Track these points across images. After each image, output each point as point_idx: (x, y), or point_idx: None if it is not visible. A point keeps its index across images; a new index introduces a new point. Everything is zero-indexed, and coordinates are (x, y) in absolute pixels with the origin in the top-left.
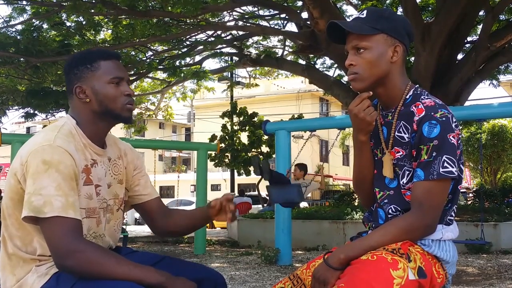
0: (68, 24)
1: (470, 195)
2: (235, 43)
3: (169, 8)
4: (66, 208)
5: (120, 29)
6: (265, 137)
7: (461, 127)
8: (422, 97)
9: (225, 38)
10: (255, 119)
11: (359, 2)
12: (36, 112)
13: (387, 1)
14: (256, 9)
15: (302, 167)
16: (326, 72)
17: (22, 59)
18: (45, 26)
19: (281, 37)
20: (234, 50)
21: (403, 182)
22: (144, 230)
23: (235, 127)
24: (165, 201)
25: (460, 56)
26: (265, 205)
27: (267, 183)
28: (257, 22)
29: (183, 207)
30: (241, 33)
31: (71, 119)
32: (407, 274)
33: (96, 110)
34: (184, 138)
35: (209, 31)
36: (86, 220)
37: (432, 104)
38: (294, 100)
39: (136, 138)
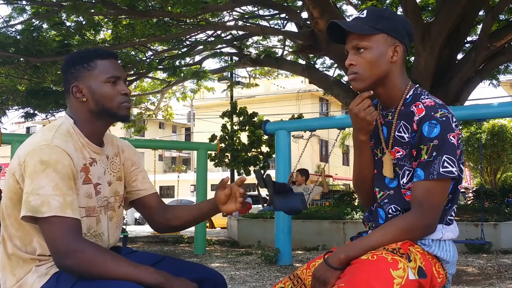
0: (68, 24)
1: (470, 195)
2: (235, 43)
3: (169, 8)
4: (64, 208)
5: (120, 29)
6: (265, 137)
7: (461, 127)
8: (422, 97)
9: (225, 38)
10: (255, 119)
11: (359, 2)
12: (36, 112)
13: (387, 1)
14: (256, 9)
15: (304, 172)
16: (326, 72)
17: (22, 59)
18: (45, 26)
19: (281, 37)
20: (234, 50)
21: (403, 182)
22: (144, 230)
23: (235, 127)
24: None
25: (460, 56)
26: (265, 205)
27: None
28: (257, 22)
29: None
30: (241, 33)
31: (68, 119)
32: (407, 274)
33: (93, 109)
34: (184, 138)
35: (209, 31)
36: (86, 219)
37: (432, 104)
38: (294, 100)
39: (136, 138)
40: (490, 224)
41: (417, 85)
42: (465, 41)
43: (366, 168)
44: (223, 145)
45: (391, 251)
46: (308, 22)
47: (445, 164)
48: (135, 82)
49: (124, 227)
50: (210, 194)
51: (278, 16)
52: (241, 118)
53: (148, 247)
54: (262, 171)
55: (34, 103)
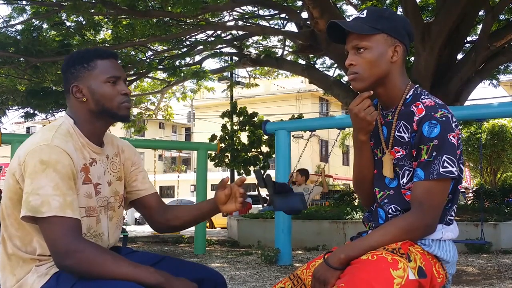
0: (68, 24)
1: (470, 195)
2: (235, 43)
3: (169, 8)
4: (64, 208)
5: (120, 29)
6: (265, 137)
7: (461, 127)
8: (422, 97)
9: (225, 38)
10: (255, 119)
11: (359, 2)
12: (36, 112)
13: (387, 1)
14: (256, 9)
15: (304, 172)
16: (326, 72)
17: (22, 59)
18: (45, 26)
19: (281, 37)
20: (234, 50)
21: (403, 182)
22: (144, 230)
23: (235, 127)
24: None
25: (460, 56)
26: (265, 205)
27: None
28: (257, 22)
29: None
30: (241, 33)
31: (68, 119)
32: (407, 274)
33: (93, 109)
34: (184, 138)
35: (209, 31)
36: (86, 219)
37: (432, 104)
38: (294, 100)
39: (136, 138)
40: (490, 224)
41: (417, 85)
42: (465, 41)
43: (366, 168)
44: (223, 145)
45: (391, 251)
46: (308, 22)
47: (445, 164)
48: (135, 82)
49: (124, 227)
50: (210, 194)
51: (278, 16)
52: (241, 118)
53: (148, 247)
54: (262, 171)
55: (34, 103)
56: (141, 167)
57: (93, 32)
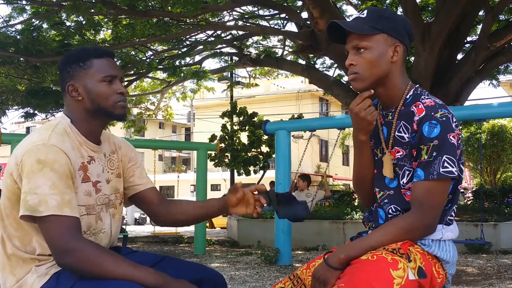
0: (68, 24)
1: (468, 195)
2: (235, 43)
3: (169, 8)
4: (62, 207)
5: (120, 29)
6: (265, 137)
7: (461, 127)
8: (422, 97)
9: (225, 38)
10: (255, 119)
11: (359, 2)
12: (36, 112)
13: (387, 1)
14: (256, 9)
15: (305, 177)
16: (326, 72)
17: (22, 58)
18: (45, 25)
19: (281, 37)
20: (234, 50)
21: (403, 182)
22: (144, 230)
23: (235, 127)
24: None
25: (460, 56)
26: (265, 205)
27: (266, 183)
28: (257, 22)
29: None
30: (241, 33)
31: (65, 118)
32: (407, 274)
33: (88, 108)
34: (184, 138)
35: (209, 31)
36: (86, 217)
37: (432, 104)
38: (294, 100)
39: (136, 138)
40: (490, 224)
41: (417, 85)
42: (465, 41)
43: (366, 168)
44: (223, 145)
45: (391, 251)
46: (308, 22)
47: (445, 164)
48: (135, 82)
49: (124, 227)
50: (210, 194)
51: (278, 16)
52: (241, 118)
53: (148, 247)
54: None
55: (34, 103)
56: (138, 163)
57: (93, 32)
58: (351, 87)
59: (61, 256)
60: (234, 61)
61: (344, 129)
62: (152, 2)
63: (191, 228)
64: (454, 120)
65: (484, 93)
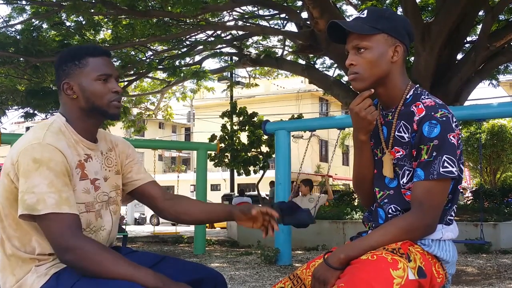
0: (67, 24)
1: (468, 194)
2: (235, 43)
3: (169, 8)
4: (60, 204)
5: (120, 29)
6: (265, 137)
7: (460, 127)
8: (423, 97)
9: (225, 38)
10: (255, 119)
11: (359, 2)
12: (35, 112)
13: (387, 1)
14: (256, 9)
15: (308, 182)
16: (326, 72)
17: (21, 59)
18: (44, 26)
19: (281, 37)
20: (234, 50)
21: (403, 182)
22: (144, 230)
23: (235, 127)
24: None
25: (460, 56)
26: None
27: (266, 183)
28: (257, 22)
29: None
30: (241, 33)
31: (60, 117)
32: (407, 274)
33: (83, 106)
34: (184, 138)
35: (209, 31)
36: (86, 214)
37: (432, 104)
38: (294, 100)
39: (136, 138)
40: (489, 224)
41: (417, 85)
42: (465, 41)
43: (366, 168)
44: (223, 145)
45: (391, 251)
46: (308, 22)
47: (445, 164)
48: (135, 82)
49: (123, 227)
50: (210, 194)
51: (278, 16)
52: (241, 118)
53: (147, 247)
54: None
55: (34, 103)
56: (136, 159)
57: (93, 32)
58: (351, 87)
59: (62, 253)
60: (234, 61)
61: (344, 129)
62: (152, 2)
63: (191, 228)
64: (454, 120)
65: (484, 93)
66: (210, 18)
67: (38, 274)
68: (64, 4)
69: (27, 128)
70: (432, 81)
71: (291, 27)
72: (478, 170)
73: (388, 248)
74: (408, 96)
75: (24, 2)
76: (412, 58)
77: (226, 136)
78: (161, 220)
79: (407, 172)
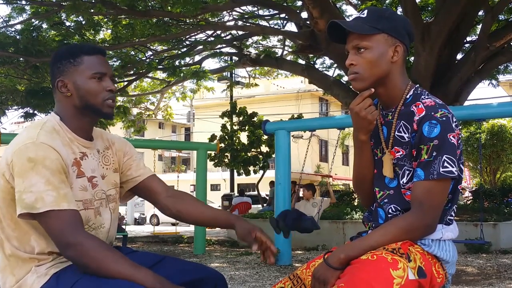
0: (67, 24)
1: (466, 194)
2: (234, 43)
3: (169, 8)
4: (59, 201)
5: (120, 29)
6: (265, 137)
7: (460, 127)
8: (423, 97)
9: (224, 38)
10: (255, 119)
11: (359, 2)
12: (35, 112)
13: (387, 1)
14: (255, 9)
15: (310, 187)
16: (326, 72)
17: (21, 58)
18: (44, 26)
19: (280, 37)
20: (233, 50)
21: (403, 182)
22: (144, 230)
23: (235, 127)
24: None
25: (459, 56)
26: (264, 205)
27: (266, 183)
28: (257, 22)
29: None
30: (240, 33)
31: (54, 116)
32: (407, 274)
33: (77, 104)
34: (183, 138)
35: (209, 31)
36: (84, 212)
37: (433, 104)
38: (294, 100)
39: (136, 138)
40: (489, 224)
41: (417, 85)
42: (465, 41)
43: (366, 168)
44: (222, 145)
45: (391, 251)
46: (308, 22)
47: (445, 164)
48: (135, 82)
49: (123, 227)
50: (210, 194)
51: (278, 16)
52: (240, 118)
53: (147, 247)
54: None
55: (34, 103)
56: (134, 156)
57: (93, 32)
58: (351, 87)
59: (64, 250)
60: (234, 61)
61: (344, 129)
62: (152, 2)
63: (191, 228)
64: (454, 120)
65: (483, 93)
66: (210, 18)
67: (38, 274)
68: (64, 4)
69: None
70: (432, 81)
71: (291, 27)
72: (478, 170)
73: (388, 248)
74: (408, 96)
75: (24, 2)
76: (412, 58)
77: (226, 136)
78: (161, 220)
79: (407, 172)
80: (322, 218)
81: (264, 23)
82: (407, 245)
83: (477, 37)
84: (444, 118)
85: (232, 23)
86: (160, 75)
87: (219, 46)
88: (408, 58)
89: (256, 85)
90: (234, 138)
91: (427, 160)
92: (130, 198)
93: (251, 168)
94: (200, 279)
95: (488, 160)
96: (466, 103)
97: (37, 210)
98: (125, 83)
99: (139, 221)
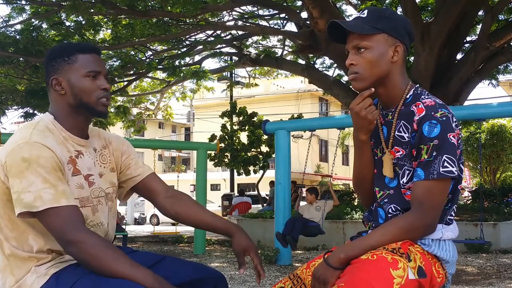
0: (67, 23)
1: (466, 194)
2: (234, 43)
3: (169, 7)
4: (57, 198)
5: (120, 29)
6: (265, 136)
7: (460, 127)
8: (423, 96)
9: (224, 38)
10: (255, 118)
11: (359, 2)
12: (35, 111)
13: (387, 1)
14: (255, 9)
15: (313, 191)
16: (326, 72)
17: (21, 58)
18: (44, 25)
19: (280, 37)
20: (233, 50)
21: (403, 182)
22: (144, 230)
23: (235, 127)
24: None
25: (459, 56)
26: (264, 204)
27: (266, 182)
28: (257, 22)
29: None
30: (240, 33)
31: (48, 116)
32: (407, 273)
33: (71, 103)
34: (183, 138)
35: (209, 31)
36: (82, 209)
37: (433, 104)
38: (294, 100)
39: (136, 138)
40: (489, 224)
41: (418, 85)
42: (465, 41)
43: (366, 167)
44: (222, 145)
45: (391, 251)
46: (308, 22)
47: (445, 164)
48: (135, 82)
49: (123, 227)
50: (210, 194)
51: (277, 16)
52: (240, 118)
53: (147, 247)
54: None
55: (34, 102)
56: (132, 155)
57: (93, 32)
58: (351, 87)
59: (65, 246)
60: (233, 61)
61: (344, 129)
62: (152, 2)
63: (191, 228)
64: (454, 119)
65: (483, 93)
66: (210, 18)
67: (37, 274)
68: (63, 4)
69: None
70: (432, 81)
71: (291, 27)
72: (478, 170)
73: (388, 248)
74: (408, 96)
75: (23, 2)
76: (412, 58)
77: (226, 136)
78: (161, 220)
79: (407, 171)
80: None
81: (264, 23)
82: (407, 244)
83: (477, 37)
84: (444, 118)
85: (232, 23)
86: (160, 75)
87: (219, 46)
88: (408, 58)
89: (256, 85)
90: (234, 138)
91: (427, 160)
92: (129, 196)
93: (251, 168)
94: (200, 279)
95: (488, 160)
96: (466, 103)
97: (36, 209)
98: (125, 83)
99: (139, 221)
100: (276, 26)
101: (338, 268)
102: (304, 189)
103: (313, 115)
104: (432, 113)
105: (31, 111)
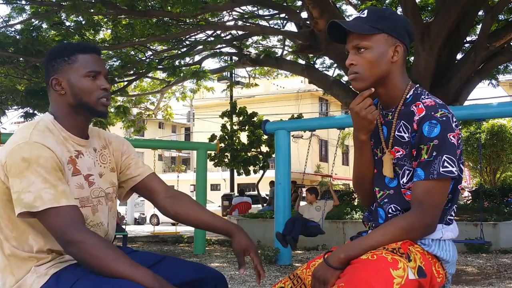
0: (67, 23)
1: (465, 194)
2: (234, 43)
3: (169, 7)
4: (58, 198)
5: (120, 29)
6: (265, 136)
7: (460, 127)
8: (423, 96)
9: (224, 38)
10: (255, 118)
11: (359, 2)
12: (35, 111)
13: (387, 1)
14: (255, 9)
15: (313, 191)
16: (326, 72)
17: (21, 58)
18: (44, 25)
19: (280, 37)
20: (233, 50)
21: (403, 182)
22: (144, 230)
23: (235, 127)
24: None
25: (459, 56)
26: (264, 204)
27: (266, 182)
28: (257, 22)
29: None
30: (240, 33)
31: (48, 116)
32: (407, 273)
33: (71, 103)
34: (183, 138)
35: (209, 31)
36: (81, 209)
37: (433, 104)
38: (294, 100)
39: (136, 138)
40: (489, 224)
41: (417, 85)
42: (465, 41)
43: (366, 167)
44: (222, 145)
45: (391, 251)
46: (308, 22)
47: (445, 164)
48: (135, 82)
49: (123, 227)
50: (210, 194)
51: (277, 16)
52: (240, 118)
53: (147, 247)
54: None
55: (34, 102)
56: (132, 155)
57: (93, 32)
58: (351, 87)
59: (65, 246)
60: (233, 61)
61: (344, 129)
62: (152, 2)
63: (191, 228)
64: (454, 119)
65: (483, 93)
66: (210, 18)
67: (37, 274)
68: (63, 4)
69: None
70: (431, 81)
71: (291, 27)
72: (478, 170)
73: (388, 248)
74: (408, 96)
75: (23, 2)
76: (412, 58)
77: (226, 136)
78: (161, 220)
79: (407, 171)
80: None
81: (264, 23)
82: (407, 244)
83: (477, 37)
84: (444, 118)
85: (232, 23)
86: (160, 75)
87: (219, 46)
88: (408, 58)
89: (256, 85)
90: (234, 138)
91: (427, 160)
92: (129, 196)
93: (251, 168)
94: (200, 279)
95: (488, 160)
96: (466, 103)
97: (36, 209)
98: (125, 83)
99: (139, 221)
100: (276, 26)
101: (338, 268)
102: (304, 189)
103: (313, 115)
104: (432, 113)
105: (31, 111)
